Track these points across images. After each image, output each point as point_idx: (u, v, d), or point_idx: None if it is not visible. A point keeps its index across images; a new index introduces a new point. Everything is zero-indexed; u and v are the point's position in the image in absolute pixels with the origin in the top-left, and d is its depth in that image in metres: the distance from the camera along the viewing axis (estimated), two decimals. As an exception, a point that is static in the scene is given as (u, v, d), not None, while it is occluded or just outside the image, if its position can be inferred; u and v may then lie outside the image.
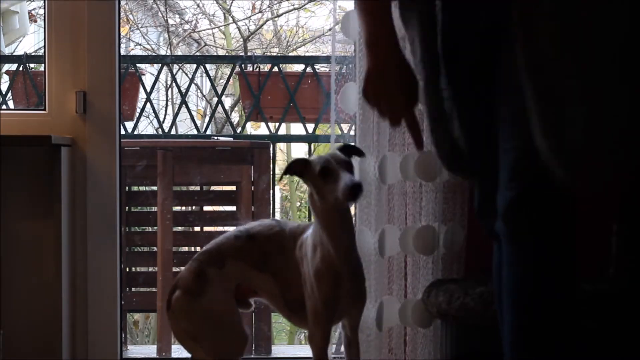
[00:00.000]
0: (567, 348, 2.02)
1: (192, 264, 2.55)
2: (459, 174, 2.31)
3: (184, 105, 5.17)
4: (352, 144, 2.63)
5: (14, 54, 5.40)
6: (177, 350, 4.51)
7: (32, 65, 4.80)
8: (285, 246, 2.50)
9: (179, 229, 4.60)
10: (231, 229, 4.47)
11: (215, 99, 5.34)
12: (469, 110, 2.13)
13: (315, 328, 2.40)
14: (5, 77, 4.96)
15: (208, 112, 6.45)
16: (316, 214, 2.39)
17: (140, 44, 6.81)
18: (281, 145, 6.11)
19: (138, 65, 4.94)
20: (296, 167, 2.40)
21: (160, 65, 5.04)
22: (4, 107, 4.54)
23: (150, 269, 4.61)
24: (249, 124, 5.61)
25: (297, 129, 5.65)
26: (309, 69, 4.71)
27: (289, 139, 6.01)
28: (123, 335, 3.34)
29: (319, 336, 2.41)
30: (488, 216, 2.13)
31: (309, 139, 4.83)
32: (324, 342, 2.41)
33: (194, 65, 5.54)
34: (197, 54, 6.97)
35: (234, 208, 4.49)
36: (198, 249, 4.87)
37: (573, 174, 1.94)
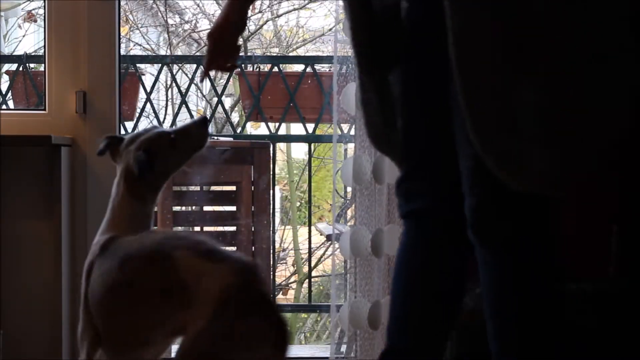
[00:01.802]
0: (552, 349, 2.02)
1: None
2: (386, 154, 2.30)
3: (184, 105, 5.16)
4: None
5: (14, 54, 5.40)
6: (177, 350, 4.51)
7: (32, 65, 4.79)
8: None
9: (179, 229, 4.60)
10: (232, 228, 4.50)
11: (215, 99, 5.33)
12: (412, 102, 2.15)
13: None
14: (5, 77, 4.96)
15: (208, 112, 6.45)
16: None
17: (140, 44, 6.81)
18: (281, 145, 6.11)
19: (138, 65, 4.94)
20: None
21: (160, 65, 5.03)
22: (4, 107, 4.54)
23: (150, 269, 4.60)
24: (249, 124, 5.61)
25: (297, 129, 5.65)
26: (309, 69, 4.70)
27: (289, 139, 6.01)
28: (123, 335, 3.34)
29: None
30: (406, 196, 2.17)
31: (309, 139, 4.83)
32: None
33: (194, 65, 5.53)
34: (197, 54, 6.97)
35: (234, 208, 4.48)
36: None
37: (515, 177, 1.92)
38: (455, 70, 1.90)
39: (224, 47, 2.27)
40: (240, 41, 2.30)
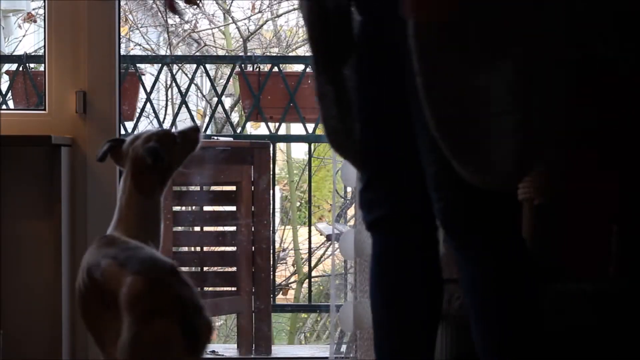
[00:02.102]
0: (534, 348, 2.03)
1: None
2: (341, 154, 2.28)
3: (184, 105, 5.16)
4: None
5: (14, 54, 5.40)
6: (177, 350, 4.50)
7: (32, 65, 4.79)
8: None
9: (179, 229, 4.60)
10: (232, 228, 4.50)
11: (215, 99, 5.33)
12: (371, 105, 2.15)
13: None
14: (5, 77, 4.96)
15: (208, 112, 6.45)
16: None
17: (140, 44, 6.81)
18: (281, 145, 6.11)
19: (138, 65, 4.94)
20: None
21: (160, 65, 5.03)
22: (4, 107, 4.54)
23: (150, 269, 4.60)
24: (249, 124, 5.61)
25: (297, 129, 5.65)
26: (309, 69, 4.70)
27: (289, 139, 6.01)
28: (123, 335, 3.33)
29: None
30: (367, 206, 2.17)
31: (309, 139, 4.83)
32: None
33: (194, 65, 5.53)
34: (197, 54, 6.97)
35: (234, 208, 4.48)
36: (198, 249, 4.88)
37: (472, 172, 1.92)
38: (416, 65, 1.90)
39: None
40: None
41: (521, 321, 2.02)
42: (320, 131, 4.81)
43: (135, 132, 2.27)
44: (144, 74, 5.00)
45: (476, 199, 1.97)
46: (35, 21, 5.62)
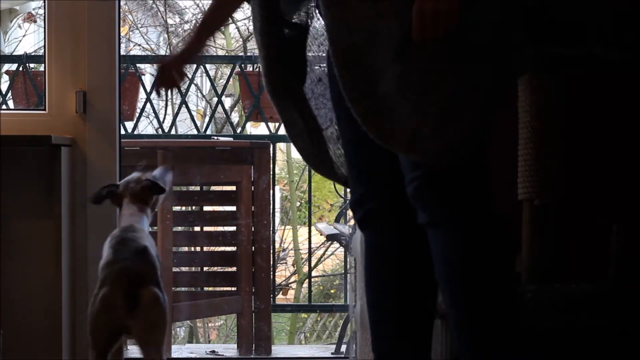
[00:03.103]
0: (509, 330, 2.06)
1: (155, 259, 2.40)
2: (322, 175, 2.45)
3: (183, 105, 5.17)
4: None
5: (14, 54, 5.40)
6: (177, 350, 4.51)
7: (32, 65, 4.80)
8: None
9: (179, 229, 4.61)
10: (232, 228, 4.50)
11: (215, 99, 5.34)
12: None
13: None
14: (5, 77, 4.96)
15: (208, 112, 6.45)
16: None
17: (139, 44, 6.81)
18: (281, 145, 6.11)
19: (138, 65, 4.94)
20: None
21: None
22: (4, 107, 4.54)
23: (150, 269, 4.59)
24: (249, 124, 5.61)
25: (297, 129, 5.63)
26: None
27: (289, 139, 6.00)
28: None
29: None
30: (354, 207, 2.26)
31: (309, 139, 4.82)
32: None
33: (194, 65, 5.52)
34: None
35: (234, 208, 4.49)
36: (198, 249, 4.88)
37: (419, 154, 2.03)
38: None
39: (173, 75, 2.49)
40: (187, 68, 2.57)
41: (490, 292, 2.06)
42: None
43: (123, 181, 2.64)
44: (144, 74, 5.00)
45: (445, 175, 2.04)
46: (35, 21, 5.62)
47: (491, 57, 2.03)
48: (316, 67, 2.35)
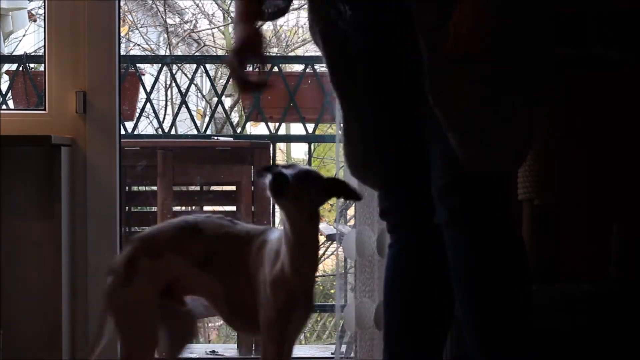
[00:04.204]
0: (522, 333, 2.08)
1: (127, 248, 2.31)
2: (363, 182, 2.39)
3: (183, 105, 5.17)
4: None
5: (14, 54, 5.40)
6: (177, 350, 4.50)
7: (32, 65, 4.79)
8: (237, 247, 2.27)
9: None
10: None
11: (215, 99, 5.34)
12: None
13: (269, 340, 2.21)
14: (5, 77, 4.96)
15: (208, 112, 6.45)
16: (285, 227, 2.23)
17: (139, 45, 6.81)
18: (281, 145, 6.12)
19: (138, 65, 4.94)
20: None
21: (160, 65, 5.03)
22: (4, 107, 4.54)
23: (150, 269, 4.59)
24: (249, 124, 5.61)
25: (297, 129, 5.65)
26: (309, 69, 4.71)
27: (289, 139, 6.01)
28: (123, 335, 3.33)
29: (271, 349, 2.21)
30: (386, 214, 2.28)
31: (309, 139, 4.83)
32: (275, 355, 2.21)
33: (194, 65, 5.53)
34: (197, 54, 6.97)
35: (234, 208, 4.49)
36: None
37: (472, 161, 2.04)
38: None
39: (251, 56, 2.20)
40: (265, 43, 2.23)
41: (504, 296, 2.07)
42: (320, 131, 4.82)
43: (297, 171, 2.17)
44: (144, 74, 5.00)
45: (472, 179, 2.05)
46: (35, 20, 5.62)
47: (534, 69, 2.08)
48: None
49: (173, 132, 5.34)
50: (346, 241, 2.93)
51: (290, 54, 6.82)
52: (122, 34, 5.07)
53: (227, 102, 6.55)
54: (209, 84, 6.49)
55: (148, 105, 4.93)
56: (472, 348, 2.12)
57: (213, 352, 4.11)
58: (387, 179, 2.26)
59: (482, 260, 2.06)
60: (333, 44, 2.22)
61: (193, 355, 4.06)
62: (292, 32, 6.98)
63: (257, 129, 6.11)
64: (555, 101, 2.65)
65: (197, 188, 4.80)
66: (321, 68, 4.85)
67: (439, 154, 2.10)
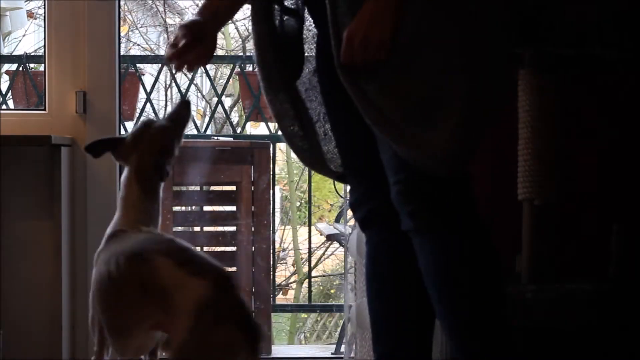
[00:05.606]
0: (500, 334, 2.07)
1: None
2: (315, 170, 2.41)
3: (183, 105, 5.15)
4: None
5: (14, 54, 5.40)
6: (177, 350, 4.50)
7: (32, 65, 4.79)
8: None
9: (179, 229, 4.60)
10: (232, 228, 4.50)
11: (215, 99, 5.34)
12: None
13: None
14: (5, 77, 4.96)
15: (208, 112, 6.45)
16: None
17: (139, 44, 6.81)
18: (281, 145, 6.11)
19: (138, 65, 4.94)
20: None
21: (160, 65, 5.03)
22: (4, 107, 4.54)
23: (150, 269, 4.60)
24: (248, 124, 5.61)
25: (297, 129, 5.63)
26: (308, 69, 4.70)
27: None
28: (123, 335, 3.34)
29: None
30: (354, 207, 2.25)
31: (309, 139, 4.82)
32: None
33: (194, 65, 5.52)
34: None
35: (234, 208, 4.48)
36: (198, 249, 4.88)
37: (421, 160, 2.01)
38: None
39: (202, 41, 2.32)
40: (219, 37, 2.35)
41: (479, 300, 2.06)
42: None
43: (132, 129, 2.30)
44: (143, 74, 5.00)
45: (428, 180, 2.03)
46: (35, 18, 5.62)
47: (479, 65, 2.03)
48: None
49: (173, 132, 5.32)
50: (351, 241, 2.93)
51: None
52: (122, 34, 5.08)
53: (227, 102, 6.55)
54: (208, 84, 6.50)
55: (148, 105, 4.93)
56: (452, 348, 2.12)
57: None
58: (348, 172, 2.26)
59: (451, 263, 2.05)
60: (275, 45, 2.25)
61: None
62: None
63: (257, 129, 6.12)
64: (555, 101, 2.65)
65: (197, 188, 4.79)
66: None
67: (387, 158, 2.09)
